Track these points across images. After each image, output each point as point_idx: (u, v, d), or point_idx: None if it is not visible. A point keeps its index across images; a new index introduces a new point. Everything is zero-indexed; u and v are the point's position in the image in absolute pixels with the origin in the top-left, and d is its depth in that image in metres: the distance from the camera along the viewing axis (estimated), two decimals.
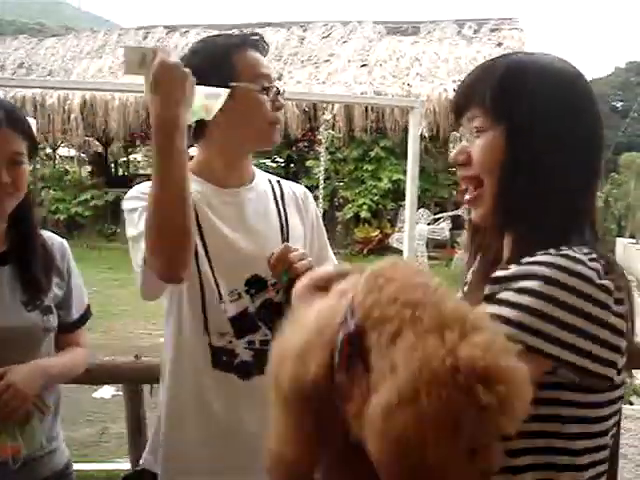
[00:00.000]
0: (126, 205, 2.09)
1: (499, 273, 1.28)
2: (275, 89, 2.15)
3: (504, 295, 1.24)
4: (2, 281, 2.15)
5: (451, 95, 16.24)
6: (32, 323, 2.14)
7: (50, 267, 2.23)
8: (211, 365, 2.12)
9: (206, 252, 2.10)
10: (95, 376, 3.02)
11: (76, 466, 4.24)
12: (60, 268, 2.27)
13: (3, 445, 2.06)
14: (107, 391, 6.86)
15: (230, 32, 2.27)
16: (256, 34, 2.20)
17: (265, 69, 2.15)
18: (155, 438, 2.24)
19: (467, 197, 1.44)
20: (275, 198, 2.30)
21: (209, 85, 2.01)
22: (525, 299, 1.21)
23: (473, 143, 1.42)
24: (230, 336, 2.12)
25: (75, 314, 2.33)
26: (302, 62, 18.66)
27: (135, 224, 2.00)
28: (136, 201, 2.04)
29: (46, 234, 2.30)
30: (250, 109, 2.12)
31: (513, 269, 1.26)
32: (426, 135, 13.92)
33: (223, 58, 2.10)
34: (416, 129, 4.74)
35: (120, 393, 6.51)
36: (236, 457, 2.14)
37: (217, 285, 2.11)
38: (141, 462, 2.31)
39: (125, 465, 4.89)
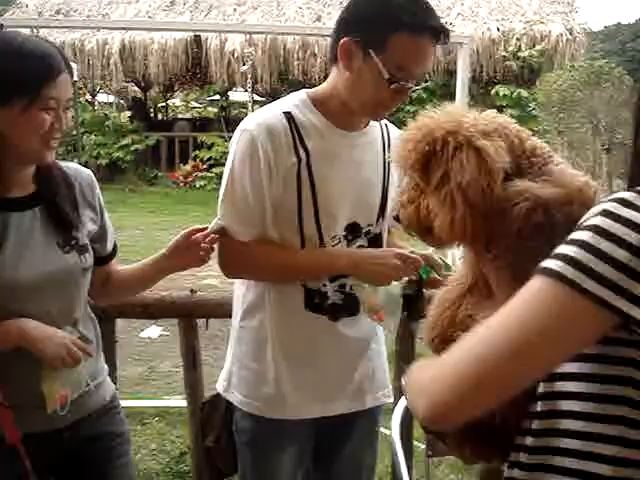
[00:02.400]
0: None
1: None
2: (404, 87, 2.07)
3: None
4: (34, 224, 2.08)
5: (494, 35, 15.94)
6: (71, 265, 2.11)
7: (77, 202, 2.18)
8: (303, 306, 2.21)
9: (314, 196, 2.14)
10: (152, 311, 3.05)
11: (126, 403, 4.34)
12: (92, 202, 2.22)
13: (53, 394, 2.06)
14: (154, 331, 6.95)
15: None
16: (443, 27, 2.06)
17: (413, 65, 2.05)
18: (233, 369, 2.33)
19: None
20: (383, 145, 2.31)
21: (354, 32, 2.06)
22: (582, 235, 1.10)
23: None
24: (324, 279, 2.21)
25: (109, 247, 2.32)
26: (341, 2, 18.34)
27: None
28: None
29: (71, 166, 2.24)
30: (367, 85, 2.08)
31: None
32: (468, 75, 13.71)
33: (385, 26, 2.02)
34: (465, 66, 4.66)
35: (167, 333, 6.67)
36: (315, 392, 2.29)
37: (319, 229, 2.17)
38: (217, 387, 2.40)
39: (174, 402, 4.99)
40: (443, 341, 1.48)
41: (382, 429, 2.60)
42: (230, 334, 2.37)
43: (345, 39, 2.06)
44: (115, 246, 2.36)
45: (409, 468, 2.59)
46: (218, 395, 2.41)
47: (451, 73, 13.65)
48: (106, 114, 21.04)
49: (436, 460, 2.80)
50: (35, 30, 5.53)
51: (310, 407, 2.30)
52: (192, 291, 3.07)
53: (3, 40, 1.98)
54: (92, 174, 2.30)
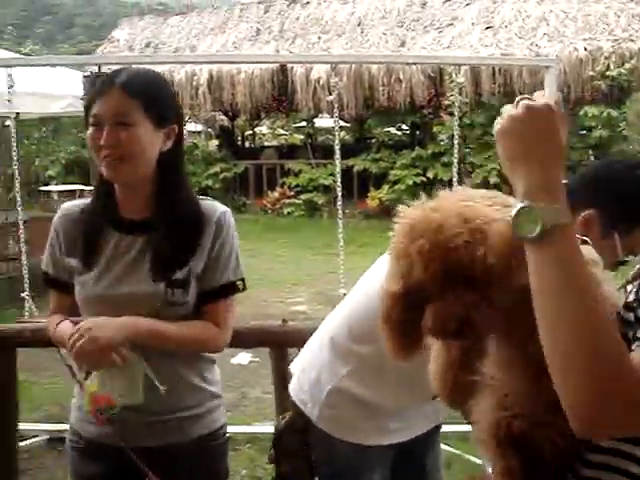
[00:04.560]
0: None
1: None
2: None
3: None
4: (133, 247, 2.18)
5: (582, 54, 15.70)
6: (151, 294, 2.15)
7: (193, 241, 2.19)
8: None
9: None
10: (244, 339, 3.09)
11: None
12: (211, 240, 2.21)
13: (96, 396, 2.11)
14: (244, 357, 7.02)
15: None
16: None
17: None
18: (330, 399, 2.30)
19: None
20: None
21: (602, 208, 1.95)
22: None
23: None
24: None
25: (212, 285, 2.25)
26: (425, 27, 18.39)
27: None
28: None
29: (207, 203, 2.26)
30: None
31: None
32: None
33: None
34: (552, 88, 4.60)
35: (257, 359, 6.73)
36: (410, 418, 2.35)
37: None
38: (295, 398, 2.39)
39: (265, 428, 5.03)
40: None
41: None
42: (322, 366, 2.35)
43: (591, 212, 1.97)
44: (222, 290, 2.27)
45: None
46: (293, 420, 2.42)
47: None
48: (195, 143, 21.45)
49: None
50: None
51: (407, 431, 2.35)
52: (284, 321, 3.10)
53: None
54: (227, 212, 2.27)
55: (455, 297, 1.24)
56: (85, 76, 5.03)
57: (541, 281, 1.15)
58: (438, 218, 1.25)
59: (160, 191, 2.20)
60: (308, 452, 2.41)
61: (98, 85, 2.15)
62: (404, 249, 1.27)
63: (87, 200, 2.33)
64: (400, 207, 1.34)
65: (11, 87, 4.78)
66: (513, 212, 1.16)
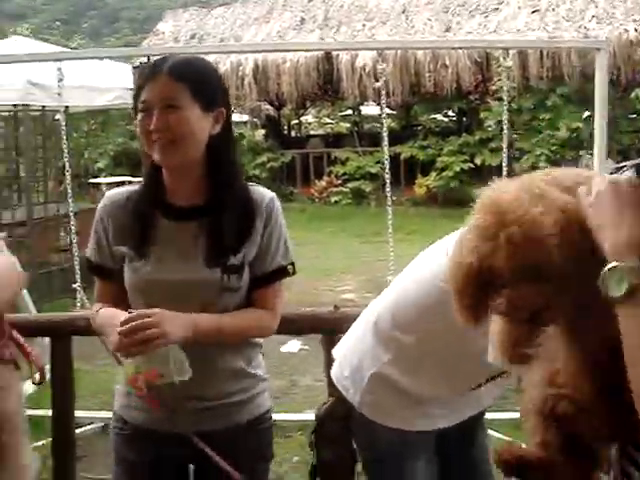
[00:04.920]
0: None
1: None
2: None
3: None
4: (189, 235, 2.19)
5: (632, 36, 15.41)
6: (208, 280, 2.15)
7: (246, 227, 2.20)
8: None
9: None
10: (296, 327, 3.09)
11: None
12: (262, 226, 2.22)
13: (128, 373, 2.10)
14: (294, 345, 7.04)
15: None
16: None
17: None
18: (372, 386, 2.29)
19: None
20: None
21: None
22: None
23: None
24: None
25: (263, 271, 2.25)
26: (470, 12, 18.19)
27: None
28: None
29: (256, 189, 2.27)
30: None
31: None
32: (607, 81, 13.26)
33: None
34: (603, 72, 4.51)
35: (307, 347, 6.75)
36: (453, 403, 2.32)
37: None
38: (337, 384, 2.39)
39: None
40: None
41: None
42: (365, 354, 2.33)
43: None
44: (272, 275, 2.27)
45: None
46: (335, 406, 2.41)
47: (586, 77, 13.28)
48: (241, 133, 21.52)
49: None
50: None
51: (450, 417, 2.33)
52: (335, 307, 3.10)
53: None
54: (275, 198, 2.28)
55: (531, 289, 1.24)
56: (135, 67, 5.06)
57: (632, 337, 1.17)
58: (536, 211, 1.24)
59: (210, 176, 2.21)
60: (350, 438, 2.42)
61: (146, 72, 2.17)
62: (492, 231, 1.25)
63: (132, 187, 2.34)
64: (494, 182, 1.36)
65: (60, 80, 4.84)
66: (601, 275, 1.19)
